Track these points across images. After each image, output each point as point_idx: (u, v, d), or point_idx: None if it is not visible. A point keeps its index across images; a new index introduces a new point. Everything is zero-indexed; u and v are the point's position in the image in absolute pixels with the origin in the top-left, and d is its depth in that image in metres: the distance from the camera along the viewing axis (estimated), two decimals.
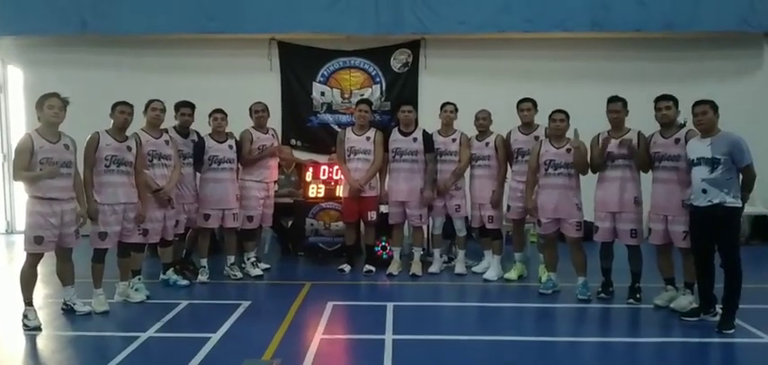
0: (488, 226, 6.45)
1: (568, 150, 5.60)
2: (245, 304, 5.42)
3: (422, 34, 8.68)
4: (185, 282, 6.07)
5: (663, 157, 5.21)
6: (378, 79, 8.96)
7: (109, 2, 8.62)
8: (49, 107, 4.73)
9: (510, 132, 6.38)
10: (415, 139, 6.38)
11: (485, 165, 6.40)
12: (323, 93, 9.02)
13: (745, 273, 4.69)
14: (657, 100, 5.25)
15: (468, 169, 6.53)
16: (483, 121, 6.42)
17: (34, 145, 4.66)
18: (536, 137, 6.07)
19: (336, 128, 8.84)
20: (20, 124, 9.06)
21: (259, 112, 6.63)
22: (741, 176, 4.75)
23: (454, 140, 6.50)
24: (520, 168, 6.23)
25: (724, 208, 4.65)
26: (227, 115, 6.30)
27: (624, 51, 8.70)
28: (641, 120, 5.48)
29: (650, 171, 5.37)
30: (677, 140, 5.12)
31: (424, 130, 6.44)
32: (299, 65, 9.02)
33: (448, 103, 6.57)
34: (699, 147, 4.79)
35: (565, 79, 8.29)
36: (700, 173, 4.72)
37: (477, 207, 6.50)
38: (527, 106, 6.23)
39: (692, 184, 4.84)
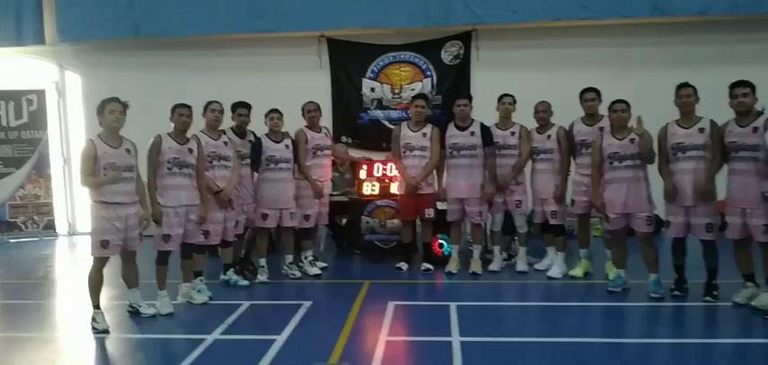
0: (551, 221, 6.25)
1: (632, 140, 5.35)
2: (307, 304, 5.37)
3: (473, 25, 8.48)
4: (245, 282, 6.07)
5: (740, 147, 4.92)
6: (428, 73, 8.81)
7: (160, 6, 8.76)
8: (111, 112, 4.76)
9: (572, 124, 6.15)
10: (472, 133, 6.21)
11: (547, 159, 6.20)
12: (373, 89, 8.92)
13: None
14: (733, 86, 4.96)
15: (529, 163, 6.35)
16: (543, 113, 6.22)
17: (97, 150, 4.70)
18: (600, 129, 5.82)
19: (387, 124, 8.77)
20: (78, 128, 9.27)
21: (312, 112, 6.57)
22: None
23: (513, 133, 6.32)
24: (584, 161, 5.98)
25: None
26: (282, 115, 6.26)
27: (686, 35, 8.29)
28: (709, 108, 5.20)
29: (725, 162, 5.08)
30: (755, 129, 4.82)
31: (481, 124, 6.27)
32: (348, 61, 8.95)
33: (506, 95, 6.38)
34: None
35: (623, 67, 7.96)
36: None
37: (539, 202, 6.31)
38: (591, 96, 6.00)
39: None
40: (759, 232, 4.86)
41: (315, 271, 6.45)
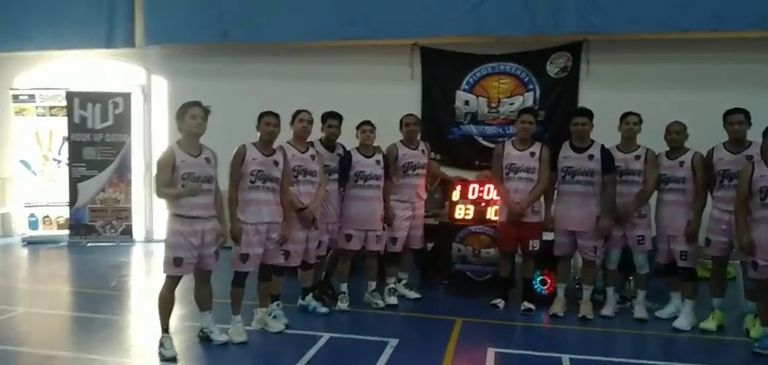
0: (680, 263, 5.33)
1: None
2: (393, 342, 4.75)
3: (585, 35, 7.63)
4: (325, 310, 5.53)
5: None
6: (531, 86, 8.03)
7: (250, 11, 8.52)
8: (192, 117, 4.34)
9: (712, 150, 5.24)
10: (591, 157, 5.40)
11: (678, 189, 5.30)
12: (467, 102, 8.24)
13: None
14: None
15: (655, 193, 5.46)
16: (676, 136, 5.34)
17: (176, 159, 4.29)
18: (748, 157, 4.90)
19: (481, 140, 8.08)
20: (162, 134, 9.14)
21: (410, 125, 6.03)
22: None
23: (638, 157, 5.48)
24: (724, 194, 5.09)
25: None
26: (375, 128, 5.72)
27: None
28: None
29: None
30: None
31: (602, 146, 5.45)
32: (442, 72, 8.33)
33: (631, 114, 5.55)
34: None
35: (764, 86, 6.86)
36: None
37: (665, 239, 5.40)
38: (738, 119, 5.08)
39: None
40: None
41: (392, 301, 5.84)
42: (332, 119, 5.65)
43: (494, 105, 8.07)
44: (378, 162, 5.68)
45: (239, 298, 4.79)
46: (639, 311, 5.55)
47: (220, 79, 8.75)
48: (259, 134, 4.84)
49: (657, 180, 5.42)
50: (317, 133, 5.63)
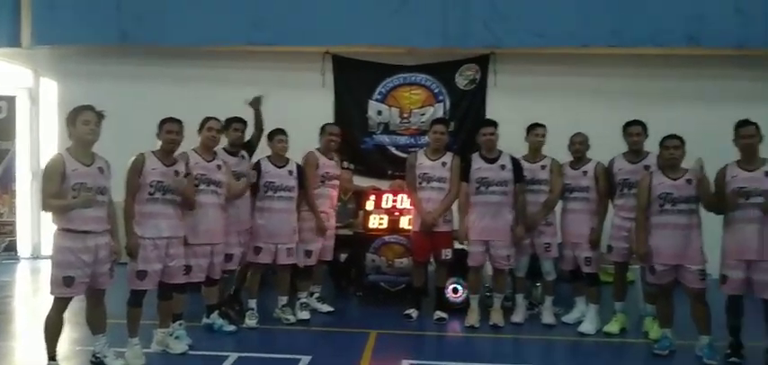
0: (585, 269, 5.50)
1: (689, 182, 4.68)
2: (306, 359, 4.56)
3: (492, 48, 7.81)
4: (232, 327, 5.24)
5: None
6: (441, 97, 8.13)
7: (151, 11, 8.09)
8: (84, 122, 3.97)
9: (613, 160, 5.46)
10: (503, 167, 5.47)
11: (581, 198, 5.48)
12: (380, 112, 8.22)
13: None
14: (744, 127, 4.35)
15: (560, 203, 5.62)
16: (579, 146, 5.53)
17: (66, 167, 3.90)
18: (646, 167, 5.15)
19: (393, 150, 8.05)
20: (52, 141, 8.43)
21: (333, 137, 5.88)
22: None
23: (544, 167, 5.63)
24: (625, 202, 5.31)
25: None
26: (287, 136, 5.54)
27: (724, 69, 7.70)
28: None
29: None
30: None
31: (511, 156, 5.54)
32: (354, 81, 8.27)
33: (538, 125, 5.69)
34: None
35: (659, 100, 7.30)
36: None
37: (570, 246, 5.57)
38: (637, 130, 5.33)
39: None
40: None
41: (303, 315, 5.63)
42: (237, 122, 5.42)
43: (406, 116, 8.09)
44: (290, 172, 5.48)
45: (136, 318, 4.42)
46: (547, 316, 5.68)
47: (117, 83, 8.23)
48: (159, 142, 4.52)
49: (562, 189, 5.58)
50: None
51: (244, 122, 5.48)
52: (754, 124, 4.60)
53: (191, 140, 4.92)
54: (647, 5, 7.35)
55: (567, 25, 7.44)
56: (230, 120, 5.43)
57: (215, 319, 5.22)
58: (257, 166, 5.43)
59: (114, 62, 8.43)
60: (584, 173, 5.50)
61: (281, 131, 5.51)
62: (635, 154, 5.35)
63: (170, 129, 4.48)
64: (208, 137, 4.95)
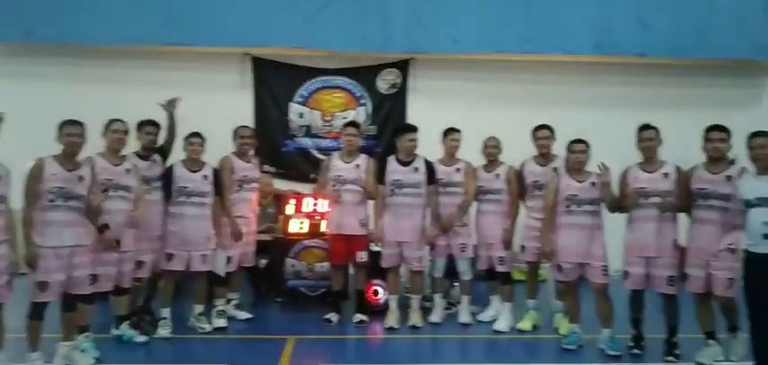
0: (498, 268, 5.68)
1: (593, 184, 4.93)
2: None
3: (412, 53, 7.92)
4: (143, 338, 5.06)
5: (710, 195, 4.57)
6: (363, 101, 8.14)
7: (60, 9, 7.56)
8: None
9: (523, 163, 5.67)
10: (416, 169, 5.56)
11: (494, 200, 5.66)
12: (301, 115, 8.13)
13: None
14: (709, 130, 4.62)
15: (474, 204, 5.78)
16: (492, 150, 5.71)
17: None
18: (555, 170, 5.38)
19: (316, 153, 7.99)
20: None
21: (245, 139, 5.76)
22: None
23: (458, 170, 5.75)
24: (536, 204, 5.52)
25: None
26: (204, 140, 5.40)
27: (629, 76, 8.13)
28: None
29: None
30: (729, 177, 4.48)
31: (425, 159, 5.64)
32: (275, 83, 8.12)
33: (453, 130, 5.81)
34: (758, 186, 4.15)
35: (568, 105, 7.59)
36: (761, 215, 4.07)
37: (484, 246, 5.73)
38: (544, 134, 5.56)
39: (746, 228, 4.19)
40: (722, 287, 4.52)
41: (220, 323, 5.51)
42: (149, 126, 5.25)
43: (328, 119, 8.05)
44: (205, 177, 5.34)
45: (37, 331, 4.21)
46: (464, 316, 5.82)
47: (20, 83, 7.70)
48: (61, 146, 4.30)
49: (476, 191, 5.74)
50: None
51: (156, 125, 5.32)
52: (654, 128, 4.89)
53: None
54: (558, 15, 7.64)
55: (482, 32, 7.60)
56: (142, 123, 5.27)
57: (125, 330, 5.03)
58: (169, 171, 5.28)
59: (16, 61, 7.90)
60: (497, 175, 5.67)
61: (195, 135, 5.37)
62: (544, 157, 5.57)
63: (70, 131, 4.28)
64: (113, 140, 4.77)
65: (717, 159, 4.57)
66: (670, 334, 4.87)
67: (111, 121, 4.82)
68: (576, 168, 5.03)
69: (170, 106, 5.60)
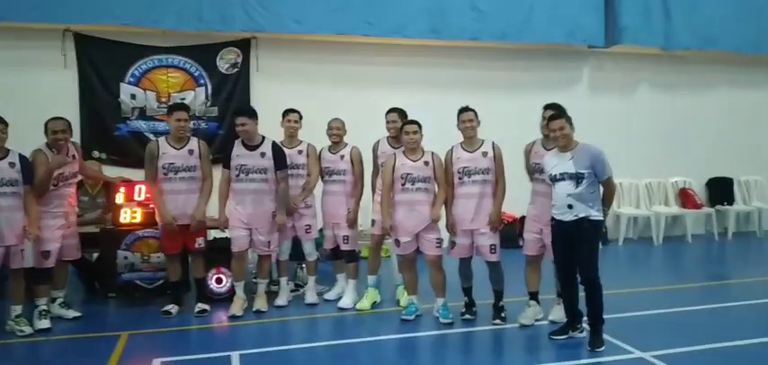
0: (343, 246, 5.79)
1: (426, 163, 5.18)
2: None
3: (253, 33, 7.72)
4: None
5: (538, 169, 5.04)
6: (202, 81, 7.80)
7: None
8: None
9: (377, 142, 5.82)
10: (263, 154, 5.44)
11: (339, 181, 5.75)
12: (134, 96, 7.61)
13: None
14: (547, 110, 4.99)
15: (319, 185, 5.83)
16: (337, 131, 5.78)
17: None
18: (396, 148, 5.56)
19: (152, 136, 7.50)
20: None
21: (57, 133, 5.17)
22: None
23: (300, 152, 5.77)
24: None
25: (589, 221, 4.54)
26: (7, 125, 4.86)
27: (462, 59, 8.61)
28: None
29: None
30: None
31: (273, 143, 5.53)
32: (102, 62, 7.51)
33: (291, 111, 5.80)
34: (560, 162, 4.63)
35: (406, 86, 7.89)
36: (564, 188, 4.56)
37: (330, 226, 5.82)
38: (392, 118, 5.71)
39: (553, 200, 4.68)
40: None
41: (43, 324, 5.07)
42: None
43: (164, 100, 7.60)
44: (11, 165, 4.85)
45: None
46: (310, 296, 5.87)
47: None
48: None
49: (320, 172, 5.78)
50: None
51: None
52: (472, 110, 5.21)
53: None
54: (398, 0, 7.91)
55: (323, 14, 7.61)
56: None
57: None
58: None
59: None
60: (342, 157, 5.75)
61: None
62: (395, 139, 5.64)
63: None
64: None
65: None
66: (497, 299, 5.30)
67: None
68: (409, 148, 5.24)
69: None
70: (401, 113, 5.73)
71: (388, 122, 5.74)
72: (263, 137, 5.56)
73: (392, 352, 4.82)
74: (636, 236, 9.45)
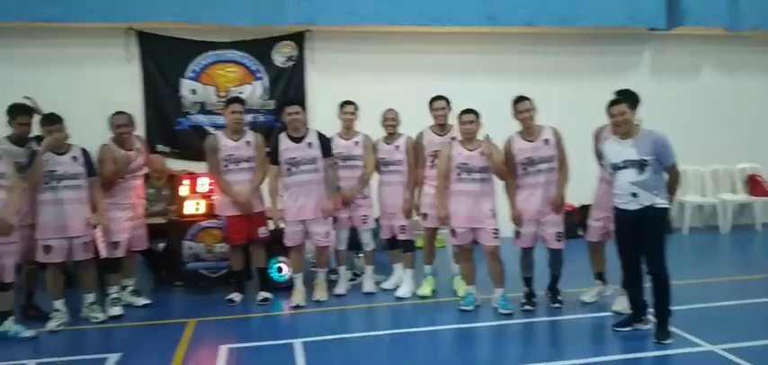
0: (400, 236, 5.83)
1: (482, 153, 5.13)
2: (114, 357, 4.33)
3: (306, 25, 7.80)
4: (30, 333, 4.77)
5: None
6: (259, 75, 7.93)
7: None
8: None
9: (421, 133, 5.78)
10: (309, 144, 5.49)
11: (395, 171, 5.76)
12: (194, 91, 7.81)
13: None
14: (612, 104, 4.76)
15: (376, 176, 5.86)
16: (392, 122, 5.79)
17: None
18: (453, 139, 5.52)
19: (212, 130, 7.69)
20: None
21: (121, 127, 5.39)
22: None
23: (357, 143, 5.80)
24: (434, 173, 5.63)
25: (654, 210, 4.40)
26: (63, 122, 5.04)
27: (517, 46, 8.44)
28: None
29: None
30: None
31: (318, 133, 5.60)
32: (163, 58, 7.71)
33: (348, 103, 5.84)
34: (622, 150, 4.49)
35: (459, 75, 7.79)
36: (627, 176, 4.44)
37: (387, 217, 5.85)
38: (440, 105, 5.68)
39: (615, 188, 4.56)
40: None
41: (115, 311, 5.29)
42: (21, 115, 4.93)
43: (223, 94, 7.76)
44: (74, 159, 5.03)
45: None
46: (368, 285, 5.92)
47: None
48: None
49: (377, 164, 5.81)
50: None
51: (29, 111, 4.98)
52: (528, 99, 5.13)
53: None
54: None
55: (375, 4, 7.60)
56: (14, 110, 4.94)
57: (10, 326, 4.75)
58: (32, 154, 4.95)
59: None
60: (397, 147, 5.76)
61: (52, 120, 4.97)
62: (441, 127, 5.69)
63: None
64: None
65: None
66: (553, 282, 5.31)
67: None
68: (466, 137, 5.20)
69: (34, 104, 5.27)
70: (448, 102, 5.70)
71: (435, 110, 5.69)
72: (308, 128, 5.62)
73: (451, 342, 4.81)
74: (702, 225, 9.10)
